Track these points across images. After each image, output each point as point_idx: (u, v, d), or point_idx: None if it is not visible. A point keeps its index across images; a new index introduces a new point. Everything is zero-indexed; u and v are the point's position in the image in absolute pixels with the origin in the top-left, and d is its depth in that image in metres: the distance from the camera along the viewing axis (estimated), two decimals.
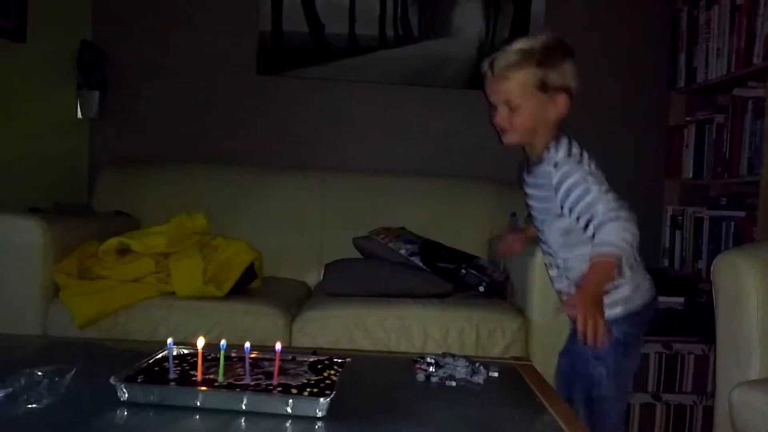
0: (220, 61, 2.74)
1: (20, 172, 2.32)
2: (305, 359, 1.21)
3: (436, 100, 2.75)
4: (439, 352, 1.40)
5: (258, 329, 1.84)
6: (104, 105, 2.66)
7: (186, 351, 1.23)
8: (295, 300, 2.10)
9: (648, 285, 1.45)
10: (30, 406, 1.00)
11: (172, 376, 1.09)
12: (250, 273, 2.04)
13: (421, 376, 1.26)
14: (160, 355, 1.18)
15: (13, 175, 2.29)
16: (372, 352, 1.71)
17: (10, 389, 1.03)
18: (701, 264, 2.48)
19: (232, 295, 1.94)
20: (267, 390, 1.04)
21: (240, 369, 1.11)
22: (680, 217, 2.64)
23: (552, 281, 1.55)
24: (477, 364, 1.29)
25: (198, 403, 1.02)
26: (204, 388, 1.04)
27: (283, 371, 1.11)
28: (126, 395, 1.03)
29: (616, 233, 1.27)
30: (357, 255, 2.29)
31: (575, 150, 1.39)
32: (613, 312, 1.37)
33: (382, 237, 2.24)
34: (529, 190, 1.49)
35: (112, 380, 1.03)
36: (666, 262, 2.70)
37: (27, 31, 2.29)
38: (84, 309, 1.82)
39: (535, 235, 1.57)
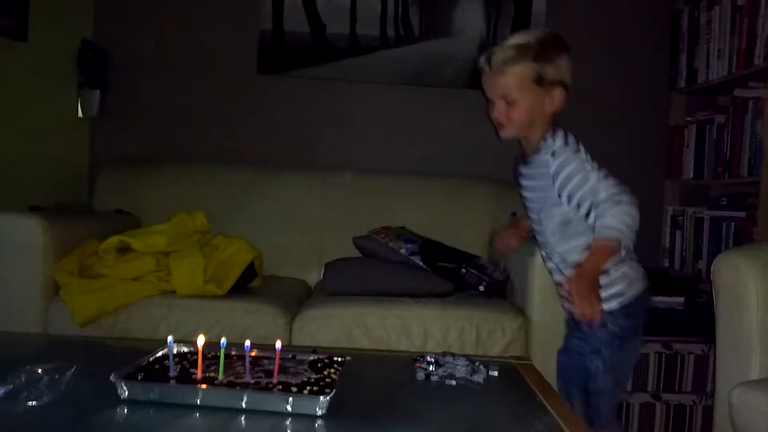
0: (221, 60, 2.74)
1: (21, 171, 2.32)
2: (305, 358, 1.21)
3: (436, 100, 2.75)
4: (439, 351, 1.40)
5: (258, 328, 1.84)
6: (105, 104, 2.66)
7: (186, 349, 1.23)
8: (296, 299, 2.10)
9: (640, 276, 1.47)
10: (30, 403, 1.00)
11: (172, 374, 1.09)
12: (250, 272, 2.05)
13: (421, 375, 1.26)
14: (160, 353, 1.18)
15: (14, 174, 2.29)
16: (372, 351, 1.71)
17: (11, 386, 1.03)
18: (701, 264, 2.48)
19: (233, 294, 1.94)
20: (267, 388, 1.04)
21: (240, 367, 1.11)
22: (680, 218, 2.64)
23: (551, 273, 1.57)
24: (477, 364, 1.29)
25: (198, 401, 1.02)
26: (204, 386, 1.04)
27: (283, 369, 1.12)
28: (126, 393, 1.03)
29: (617, 217, 1.31)
30: (357, 254, 2.29)
31: (571, 139, 1.42)
32: (608, 306, 1.39)
33: (383, 236, 2.24)
34: (525, 182, 1.50)
35: (112, 378, 1.03)
36: (666, 262, 2.70)
37: (28, 30, 2.29)
38: (84, 307, 1.82)
39: (530, 227, 1.58)
